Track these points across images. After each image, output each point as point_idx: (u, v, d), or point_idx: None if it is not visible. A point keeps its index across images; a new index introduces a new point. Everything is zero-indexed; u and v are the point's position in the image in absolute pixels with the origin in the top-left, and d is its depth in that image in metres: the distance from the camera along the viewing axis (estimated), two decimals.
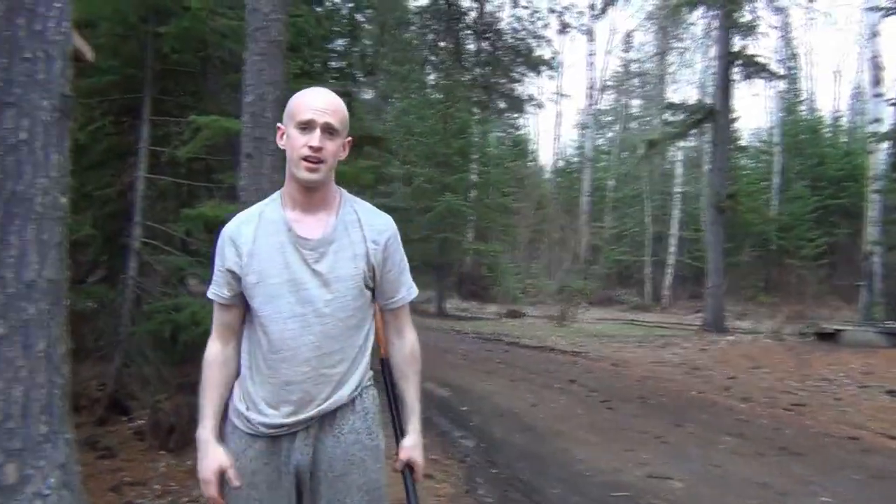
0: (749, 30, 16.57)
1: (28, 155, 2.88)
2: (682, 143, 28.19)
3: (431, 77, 18.93)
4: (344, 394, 2.04)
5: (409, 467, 2.14)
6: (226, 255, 2.06)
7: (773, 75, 18.22)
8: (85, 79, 6.73)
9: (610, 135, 42.97)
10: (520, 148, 40.58)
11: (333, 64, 12.32)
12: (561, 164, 43.43)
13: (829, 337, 13.08)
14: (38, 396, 2.88)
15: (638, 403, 8.46)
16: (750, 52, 16.85)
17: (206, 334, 5.82)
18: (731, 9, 15.82)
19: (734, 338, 14.96)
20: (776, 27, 19.83)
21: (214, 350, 2.15)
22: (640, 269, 32.61)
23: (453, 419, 7.45)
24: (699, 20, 21.40)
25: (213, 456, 2.04)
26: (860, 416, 7.82)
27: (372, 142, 10.16)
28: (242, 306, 2.09)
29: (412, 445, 2.14)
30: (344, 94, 7.86)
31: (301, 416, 2.00)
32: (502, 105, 16.91)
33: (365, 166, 6.79)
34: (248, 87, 5.07)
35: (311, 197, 2.04)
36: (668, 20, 26.71)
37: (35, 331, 2.87)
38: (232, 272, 2.04)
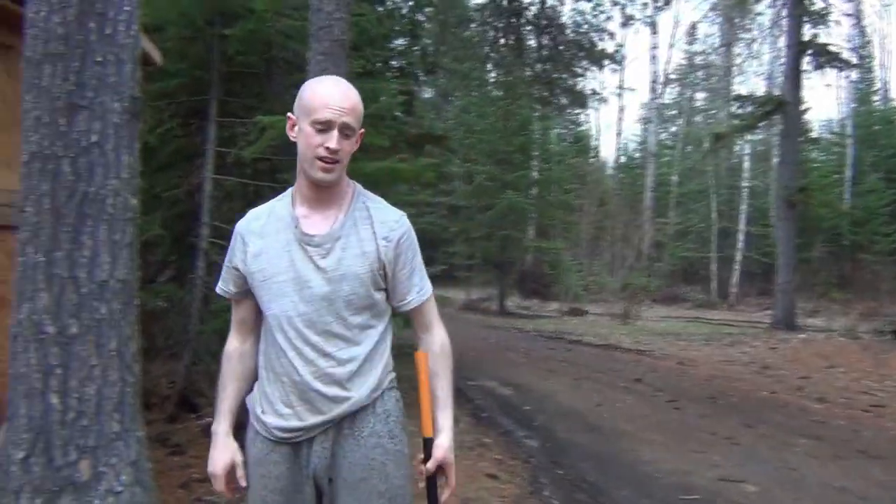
0: (820, 17, 16.00)
1: (99, 157, 2.93)
2: (749, 137, 27.48)
3: (492, 74, 18.86)
4: (357, 395, 1.96)
5: (440, 469, 1.99)
6: (234, 251, 2.04)
7: (845, 64, 17.57)
8: (154, 83, 6.88)
9: (673, 129, 42.24)
10: (581, 144, 40.22)
11: (394, 63, 12.38)
12: (623, 159, 42.84)
13: None
14: (111, 394, 2.93)
15: (706, 403, 8.26)
16: (821, 40, 16.29)
17: None
18: None
19: (806, 336, 14.50)
20: (849, 14, 19.05)
21: (231, 346, 2.15)
22: (705, 265, 31.95)
23: (516, 419, 7.38)
24: (767, 9, 20.82)
25: (223, 450, 2.05)
26: None
27: (433, 140, 10.16)
28: (254, 301, 2.05)
29: (447, 446, 2.00)
30: (405, 93, 7.88)
31: (317, 419, 1.94)
32: (564, 100, 16.69)
33: (426, 164, 6.77)
34: None
35: (321, 194, 1.97)
36: (734, 10, 26.08)
37: (107, 330, 2.92)
38: (237, 269, 2.03)
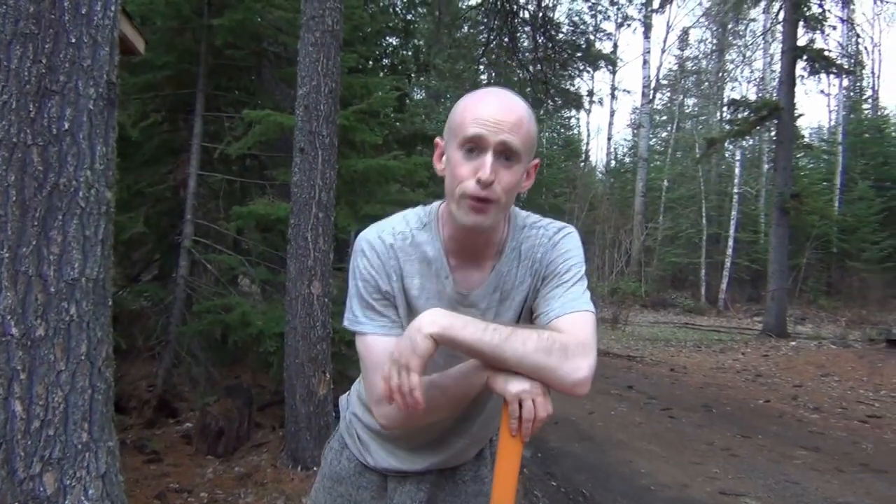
0: (816, 22, 15.90)
1: (71, 146, 2.72)
2: (741, 142, 27.45)
3: (484, 77, 18.73)
4: (480, 447, 1.73)
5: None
6: (377, 280, 1.50)
7: (840, 70, 17.48)
8: (139, 75, 6.68)
9: (664, 134, 42.22)
10: (572, 148, 40.20)
11: (386, 61, 12.23)
12: (614, 164, 42.79)
13: None
14: (79, 402, 2.71)
15: (701, 412, 8.09)
16: (817, 46, 16.23)
17: (256, 337, 5.59)
18: (799, 0, 15.25)
19: (797, 343, 14.40)
20: (844, 20, 18.96)
21: None
22: (694, 271, 31.88)
23: None
24: (761, 15, 20.75)
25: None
26: None
27: (424, 141, 9.95)
28: None
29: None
30: (397, 89, 7.65)
31: (423, 466, 1.69)
32: (558, 101, 16.55)
33: (420, 163, 6.57)
34: (303, 78, 4.88)
35: (476, 240, 1.50)
36: (727, 16, 26.03)
37: (76, 332, 2.71)
38: (391, 297, 1.51)
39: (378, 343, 1.47)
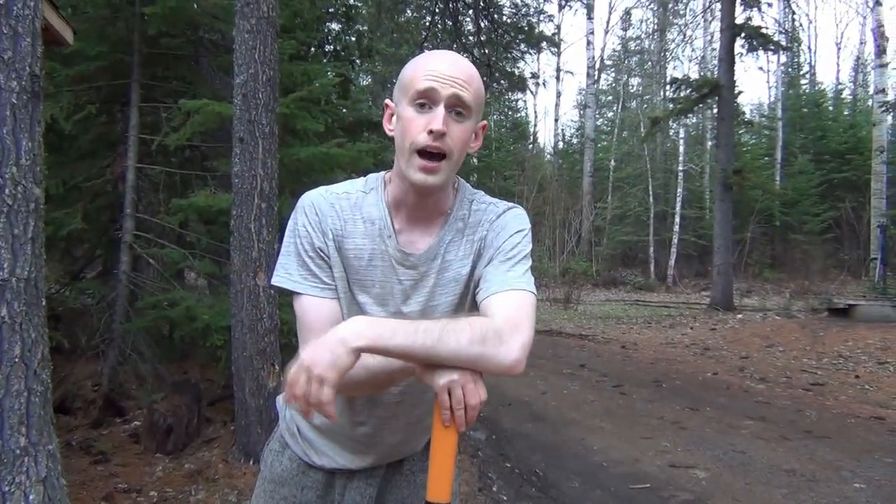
0: (753, 0, 16.18)
1: None
2: (684, 120, 27.86)
3: None
4: (425, 439, 1.69)
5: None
6: (312, 238, 1.47)
7: (778, 47, 17.84)
8: (71, 66, 6.48)
9: (609, 114, 42.64)
10: (519, 130, 40.36)
11: (329, 47, 12.06)
12: (561, 145, 43.06)
13: (842, 312, 12.76)
14: (15, 406, 2.64)
15: (651, 388, 8.22)
16: (754, 23, 16.51)
17: (203, 331, 5.49)
18: None
19: (743, 316, 14.72)
20: None
21: None
22: (643, 248, 32.32)
23: None
24: None
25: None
26: (882, 395, 7.61)
27: (370, 127, 9.87)
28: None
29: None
30: (339, 75, 7.55)
31: (369, 463, 1.67)
32: (503, 84, 16.57)
33: (365, 149, 6.51)
34: (239, 66, 4.79)
35: (424, 201, 1.48)
36: None
37: (9, 334, 2.63)
38: (321, 252, 1.47)
39: (312, 305, 1.47)
